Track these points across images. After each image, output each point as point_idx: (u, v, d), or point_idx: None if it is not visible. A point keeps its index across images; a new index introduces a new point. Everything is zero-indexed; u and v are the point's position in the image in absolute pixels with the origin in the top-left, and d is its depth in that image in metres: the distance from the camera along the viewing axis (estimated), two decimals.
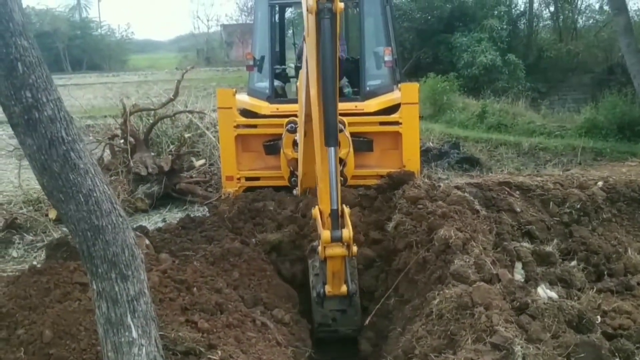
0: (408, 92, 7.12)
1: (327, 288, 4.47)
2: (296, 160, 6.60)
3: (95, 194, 2.42)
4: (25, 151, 2.40)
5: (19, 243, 7.69)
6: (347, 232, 3.98)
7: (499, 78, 21.39)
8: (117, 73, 44.27)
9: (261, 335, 4.29)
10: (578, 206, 5.49)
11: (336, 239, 3.95)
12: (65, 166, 2.38)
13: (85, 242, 2.43)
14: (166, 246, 5.32)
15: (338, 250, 4.01)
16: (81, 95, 19.49)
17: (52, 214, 8.58)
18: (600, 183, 5.79)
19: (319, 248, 4.11)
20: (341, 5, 3.66)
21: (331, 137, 3.80)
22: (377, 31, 7.98)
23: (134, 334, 2.47)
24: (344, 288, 4.45)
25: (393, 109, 7.28)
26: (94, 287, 2.46)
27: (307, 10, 3.76)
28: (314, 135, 4.24)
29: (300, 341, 4.90)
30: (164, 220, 8.31)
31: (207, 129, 11.59)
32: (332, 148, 3.84)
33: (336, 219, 3.93)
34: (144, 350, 2.49)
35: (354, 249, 4.08)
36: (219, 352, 3.59)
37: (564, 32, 26.89)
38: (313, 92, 4.11)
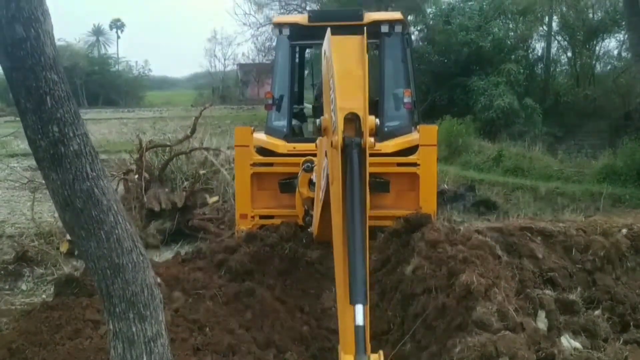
0: (427, 134, 7.10)
1: None
2: (311, 199, 6.56)
3: (117, 232, 2.37)
4: (48, 186, 2.37)
5: (28, 276, 7.66)
6: (377, 358, 2.98)
7: (515, 122, 21.45)
8: (132, 109, 45.02)
9: None
10: (602, 254, 5.34)
11: None
12: (89, 202, 2.34)
13: (104, 280, 2.37)
14: (179, 284, 5.23)
15: None
16: (96, 130, 19.79)
17: (64, 247, 8.56)
18: (624, 230, 5.64)
19: None
20: (371, 140, 3.13)
21: (359, 294, 2.95)
22: (396, 73, 8.04)
23: None
24: None
25: (411, 150, 7.26)
26: (111, 327, 2.38)
27: (332, 146, 3.17)
28: (336, 288, 3.41)
29: None
30: None
31: (222, 166, 11.64)
32: (361, 305, 2.95)
33: (363, 340, 2.95)
34: None
35: None
36: None
37: (581, 78, 27.01)
38: (337, 241, 3.30)
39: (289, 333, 5.06)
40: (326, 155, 3.89)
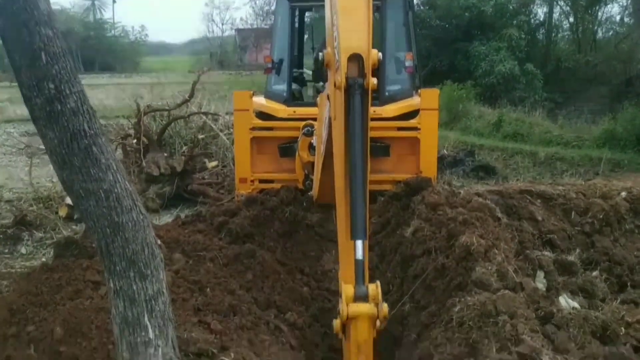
0: (428, 98, 7.03)
1: None
2: (311, 163, 6.53)
3: (116, 190, 2.34)
4: (45, 144, 2.32)
5: (28, 240, 7.68)
6: (375, 288, 3.17)
7: (516, 87, 21.30)
8: (129, 75, 44.53)
9: (274, 338, 4.22)
10: (601, 216, 5.34)
11: (361, 296, 3.14)
12: (87, 161, 2.30)
13: (104, 239, 2.35)
14: (179, 246, 5.24)
15: (364, 308, 3.12)
16: (93, 96, 19.54)
17: (63, 212, 8.56)
18: (623, 193, 5.64)
19: (340, 307, 3.24)
20: (374, 80, 3.15)
21: (359, 230, 3.14)
22: (398, 36, 7.90)
23: (151, 335, 2.38)
24: None
25: (412, 114, 7.20)
26: (111, 285, 2.38)
27: (335, 86, 3.24)
28: (338, 227, 3.58)
29: (312, 345, 4.81)
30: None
31: (221, 131, 11.56)
32: (361, 241, 3.16)
33: (362, 272, 3.17)
34: (160, 351, 2.40)
35: (385, 308, 3.20)
36: (232, 354, 3.50)
37: (582, 43, 26.71)
38: (339, 178, 3.45)
39: (290, 294, 5.10)
40: (328, 98, 3.87)
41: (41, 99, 2.26)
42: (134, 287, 2.35)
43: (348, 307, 3.13)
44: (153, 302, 2.39)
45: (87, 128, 2.30)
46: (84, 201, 2.32)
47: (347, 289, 3.16)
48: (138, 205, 2.41)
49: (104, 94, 23.67)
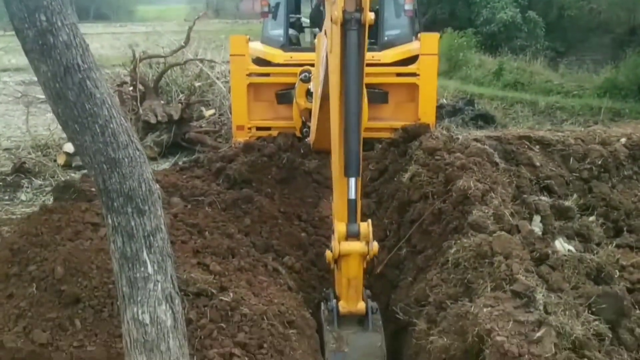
0: (428, 43, 6.89)
1: (341, 304, 3.73)
2: (309, 110, 6.46)
3: (112, 125, 2.31)
4: (39, 79, 2.28)
5: (27, 187, 7.69)
6: (366, 226, 3.38)
7: (517, 36, 20.90)
8: (124, 23, 43.62)
9: (272, 279, 4.27)
10: (599, 162, 5.35)
11: (353, 234, 3.37)
12: (81, 95, 2.26)
13: (101, 175, 2.33)
14: (177, 191, 5.25)
15: (356, 246, 3.39)
16: (89, 45, 19.23)
17: (61, 160, 8.56)
18: (623, 140, 5.62)
19: (332, 243, 3.49)
20: (371, 15, 3.17)
21: (352, 167, 3.25)
22: None
23: (150, 270, 2.41)
24: (361, 304, 3.71)
25: (411, 60, 7.08)
26: (109, 221, 2.38)
27: (332, 20, 3.24)
28: (332, 166, 3.70)
29: (310, 288, 4.89)
30: None
31: (218, 78, 11.42)
32: (353, 179, 3.30)
33: (354, 211, 3.36)
34: (159, 286, 2.43)
35: (375, 245, 3.43)
36: (231, 294, 3.57)
37: None
38: (334, 114, 3.50)
39: (287, 239, 5.14)
40: (325, 33, 3.85)
41: (33, 31, 2.21)
42: (132, 223, 2.36)
43: (340, 245, 3.39)
44: (151, 237, 2.40)
45: (80, 62, 2.26)
46: (80, 136, 2.30)
47: (340, 227, 3.38)
48: (134, 141, 2.39)
49: (99, 43, 23.24)
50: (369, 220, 3.43)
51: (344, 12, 3.08)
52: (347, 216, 3.37)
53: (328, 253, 3.69)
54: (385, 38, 7.36)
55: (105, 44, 23.54)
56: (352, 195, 3.31)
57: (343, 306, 3.71)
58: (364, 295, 3.80)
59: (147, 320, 2.44)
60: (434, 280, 3.92)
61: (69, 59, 2.24)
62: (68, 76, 2.23)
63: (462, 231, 4.06)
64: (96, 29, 36.16)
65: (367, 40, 3.29)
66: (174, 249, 3.83)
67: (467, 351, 3.07)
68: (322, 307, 4.02)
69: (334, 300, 3.78)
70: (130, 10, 57.72)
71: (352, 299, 3.68)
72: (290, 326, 3.69)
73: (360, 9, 3.09)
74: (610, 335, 3.01)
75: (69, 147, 8.36)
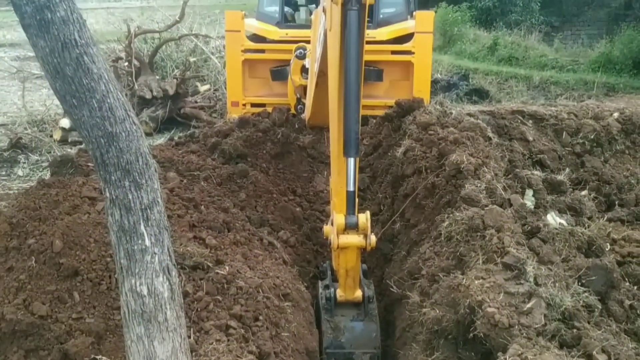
0: (423, 21, 6.89)
1: (339, 292, 3.91)
2: (304, 87, 6.46)
3: (109, 100, 2.33)
4: (37, 53, 2.30)
5: (24, 162, 7.70)
6: (365, 218, 3.43)
7: (512, 10, 20.73)
8: None
9: (268, 253, 4.33)
10: (592, 137, 5.40)
11: (351, 226, 3.42)
12: (79, 70, 2.27)
13: (98, 149, 2.36)
14: (173, 166, 5.27)
15: (354, 239, 3.46)
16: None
17: (57, 135, 8.54)
18: (615, 114, 5.66)
19: (331, 237, 3.55)
20: None
21: (352, 147, 3.24)
22: None
23: (147, 242, 2.44)
24: (358, 293, 3.89)
25: (406, 38, 7.07)
26: (107, 194, 2.41)
27: (332, 0, 3.23)
28: (331, 142, 3.72)
29: (305, 261, 4.96)
30: None
31: (212, 54, 11.36)
32: (352, 159, 3.30)
33: (352, 203, 3.40)
34: (156, 258, 2.47)
35: (373, 239, 3.49)
36: (227, 267, 3.62)
37: None
38: (333, 93, 3.52)
39: (282, 213, 5.19)
40: (324, 11, 3.83)
41: (31, 7, 2.22)
42: (130, 197, 2.39)
43: (339, 237, 3.45)
44: (149, 210, 2.43)
45: (77, 37, 2.27)
46: (77, 111, 2.32)
47: (339, 219, 3.43)
48: (131, 115, 2.41)
49: (94, 18, 22.90)
50: (367, 212, 3.48)
51: None
52: (345, 208, 3.42)
53: (325, 228, 3.80)
54: (381, 16, 7.36)
55: (99, 19, 23.17)
56: (351, 187, 3.34)
57: (340, 294, 3.90)
58: (361, 284, 3.97)
59: (145, 292, 2.49)
60: (427, 254, 3.99)
61: (67, 34, 2.25)
62: (66, 51, 2.25)
63: (455, 205, 4.11)
64: (90, 4, 35.56)
65: (366, 20, 3.28)
66: (170, 223, 3.88)
67: (458, 322, 3.13)
68: (320, 290, 4.16)
69: (332, 289, 3.95)
70: None
71: (349, 288, 3.86)
72: (285, 299, 3.76)
73: None
74: (600, 307, 3.08)
75: (65, 123, 8.35)
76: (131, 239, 2.42)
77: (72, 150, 7.76)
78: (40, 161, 7.71)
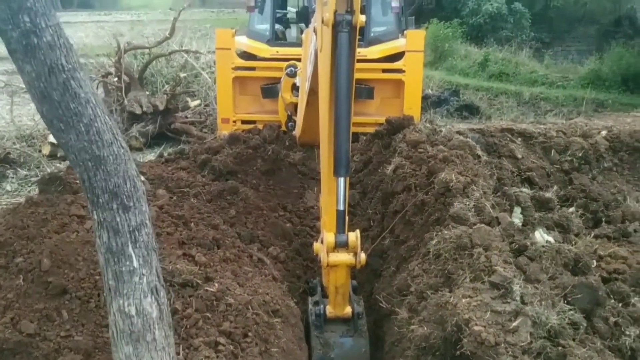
0: (414, 40, 6.98)
1: (329, 308, 3.94)
2: (294, 104, 6.51)
3: (96, 124, 2.34)
4: (23, 78, 2.31)
5: (12, 177, 7.67)
6: (355, 237, 3.45)
7: (503, 27, 21.01)
8: (109, 12, 43.06)
9: (257, 270, 4.33)
10: (580, 154, 5.46)
11: (341, 244, 3.45)
12: (66, 95, 2.29)
13: (86, 172, 2.37)
14: (163, 183, 5.28)
15: (344, 257, 3.48)
16: (72, 33, 18.98)
17: (46, 150, 8.52)
18: (603, 132, 5.74)
19: (321, 255, 3.59)
20: (362, 18, 3.18)
21: (342, 166, 3.28)
22: None
23: (135, 264, 2.45)
24: (348, 309, 3.94)
25: (397, 56, 7.15)
26: (95, 217, 2.42)
27: (323, 22, 3.27)
28: (321, 161, 3.75)
29: (295, 277, 4.96)
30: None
31: (203, 69, 11.41)
32: (342, 179, 3.33)
33: (342, 221, 3.43)
34: (145, 279, 2.48)
35: (363, 257, 3.52)
36: (216, 284, 3.62)
37: None
38: (324, 113, 3.55)
39: (272, 229, 5.20)
40: (315, 32, 3.89)
41: (17, 33, 2.23)
42: (117, 219, 2.40)
43: (329, 256, 3.47)
44: (137, 232, 2.45)
45: (64, 62, 2.28)
46: (65, 135, 2.33)
47: (329, 237, 3.44)
48: (118, 139, 2.42)
49: (83, 32, 22.96)
50: (357, 231, 3.50)
51: (335, 14, 3.09)
52: (335, 226, 3.44)
53: (316, 246, 3.83)
54: (372, 34, 7.45)
55: (89, 32, 23.23)
56: (341, 206, 3.36)
57: (330, 311, 3.93)
58: (351, 301, 4.00)
59: (133, 312, 2.49)
60: (416, 271, 4.00)
61: (53, 59, 2.26)
62: (52, 76, 2.26)
63: (444, 223, 4.13)
64: (80, 17, 35.65)
65: (357, 41, 3.32)
66: (159, 241, 3.89)
67: (446, 340, 3.14)
68: (310, 306, 4.16)
69: (322, 306, 3.97)
70: None
71: (339, 305, 3.89)
72: (275, 315, 3.77)
73: (351, 11, 3.10)
74: (585, 324, 3.10)
75: (53, 138, 8.33)
76: (119, 261, 2.43)
77: (61, 165, 7.75)
78: (28, 176, 7.68)
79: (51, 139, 8.43)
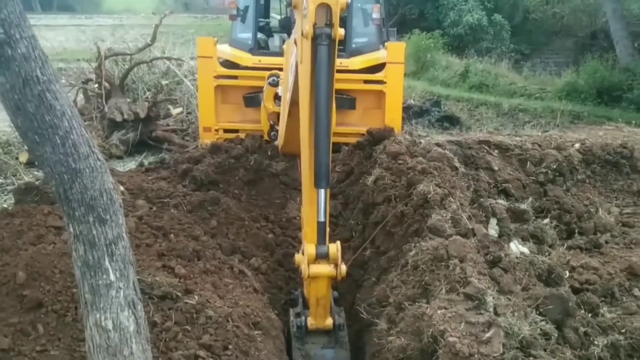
0: (394, 51, 7.06)
1: (310, 320, 3.95)
2: (277, 114, 6.52)
3: (72, 137, 2.34)
4: None
5: None
6: (335, 249, 3.46)
7: (483, 38, 21.30)
8: (90, 15, 42.69)
9: (238, 282, 4.33)
10: (554, 166, 5.57)
11: (322, 256, 3.45)
12: (41, 107, 2.28)
13: (62, 185, 2.36)
14: (142, 193, 5.26)
15: (324, 268, 3.49)
16: (52, 37, 18.80)
17: (23, 158, 8.42)
18: (577, 145, 5.87)
19: (302, 266, 3.58)
20: (341, 31, 3.22)
21: (322, 178, 3.30)
22: None
23: (112, 277, 2.45)
24: (329, 321, 3.94)
25: (378, 67, 7.22)
26: (71, 230, 2.42)
27: (303, 35, 3.31)
28: (302, 173, 3.80)
29: (276, 288, 4.97)
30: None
31: (185, 76, 11.38)
32: (323, 190, 3.35)
33: (323, 233, 3.44)
34: (122, 292, 2.48)
35: (343, 268, 3.52)
36: (196, 297, 3.62)
37: None
38: (304, 124, 3.57)
39: (254, 240, 5.21)
40: (295, 43, 3.92)
41: None
42: (94, 232, 2.40)
43: (309, 267, 3.49)
44: (113, 246, 2.45)
45: (39, 74, 2.28)
46: (40, 147, 2.32)
47: (309, 249, 3.46)
48: (95, 151, 2.42)
49: (64, 35, 22.70)
50: (338, 243, 3.53)
51: (314, 27, 3.14)
52: (316, 238, 3.46)
53: (297, 257, 3.82)
54: (353, 45, 7.50)
55: (69, 36, 22.98)
56: (322, 218, 3.39)
57: (311, 322, 3.94)
58: (332, 312, 4.03)
59: (110, 326, 2.49)
60: (395, 282, 4.05)
61: (28, 71, 2.26)
62: (27, 88, 2.26)
63: (422, 234, 4.20)
64: (60, 20, 35.26)
65: (337, 54, 3.35)
66: (138, 252, 3.89)
67: (422, 351, 3.19)
68: (291, 318, 4.18)
69: (303, 318, 3.99)
70: (96, 2, 56.45)
71: (320, 316, 3.91)
72: (255, 327, 3.78)
73: (330, 24, 3.15)
74: (556, 335, 3.18)
75: (26, 146, 8.22)
76: (96, 274, 2.43)
77: (39, 173, 7.66)
78: (5, 184, 7.57)
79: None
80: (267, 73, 6.57)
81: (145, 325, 2.66)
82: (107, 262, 2.43)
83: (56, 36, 20.86)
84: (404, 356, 3.37)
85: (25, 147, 8.36)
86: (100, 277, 2.43)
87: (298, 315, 4.15)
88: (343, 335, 4.07)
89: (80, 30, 24.69)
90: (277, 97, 6.53)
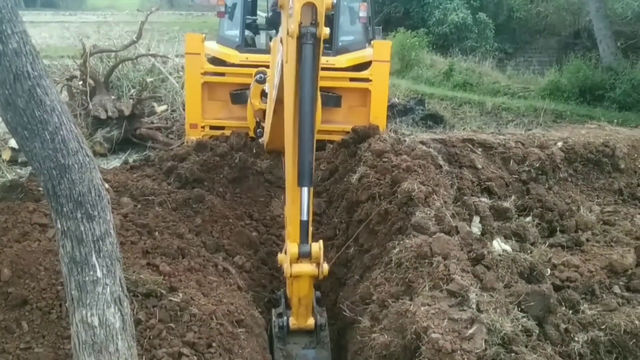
0: (380, 50, 7.09)
1: (292, 320, 3.94)
2: (263, 111, 6.54)
3: (62, 132, 2.35)
4: None
5: None
6: (318, 248, 3.45)
7: (468, 37, 21.43)
8: (74, 12, 42.25)
9: (222, 279, 4.34)
10: (537, 165, 5.66)
11: (305, 255, 3.44)
12: (31, 102, 2.29)
13: (50, 181, 2.37)
14: (127, 191, 5.24)
15: (307, 268, 3.48)
16: (36, 34, 18.58)
17: (6, 155, 8.34)
18: (559, 143, 5.97)
19: (284, 266, 3.55)
20: (326, 30, 3.23)
21: (306, 177, 3.31)
22: None
23: (99, 273, 2.46)
24: (311, 321, 3.94)
25: (364, 66, 7.26)
26: (59, 226, 2.42)
27: (288, 34, 3.31)
28: (286, 171, 3.80)
29: (260, 287, 4.99)
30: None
31: (170, 74, 11.33)
32: (306, 188, 3.36)
33: (306, 232, 3.43)
34: (108, 289, 2.49)
35: (325, 267, 3.51)
36: (180, 294, 3.63)
37: None
38: (288, 123, 3.58)
39: (238, 238, 5.21)
40: (282, 42, 3.92)
41: None
42: (82, 228, 2.40)
43: (292, 266, 3.47)
44: (100, 242, 2.46)
45: (30, 69, 2.29)
46: (29, 143, 2.33)
47: (292, 248, 3.45)
48: (84, 147, 2.43)
49: (48, 32, 22.48)
50: (321, 242, 3.52)
51: (300, 26, 3.16)
52: (299, 237, 3.46)
53: (280, 256, 3.79)
54: (340, 44, 7.52)
55: (53, 33, 22.77)
56: (305, 217, 3.39)
57: (293, 322, 3.94)
58: (314, 312, 4.02)
59: (96, 323, 2.50)
60: (378, 279, 4.09)
61: (19, 66, 2.27)
62: (17, 83, 2.27)
63: (406, 232, 4.24)
64: (44, 17, 34.84)
65: (322, 52, 3.37)
66: (123, 250, 3.88)
67: (406, 348, 3.23)
68: (273, 318, 4.18)
69: (285, 318, 3.98)
70: None
71: (302, 316, 3.90)
72: (239, 325, 3.79)
73: (315, 24, 3.17)
74: (537, 331, 3.24)
75: (14, 142, 8.15)
76: (82, 271, 2.44)
77: (22, 171, 7.60)
78: None
79: (12, 143, 8.25)
80: (254, 70, 6.58)
81: (131, 322, 2.68)
82: (94, 259, 2.44)
83: (40, 32, 20.63)
84: (387, 353, 3.41)
85: (9, 145, 8.29)
86: (87, 274, 2.44)
87: (280, 315, 4.15)
88: (325, 336, 4.08)
89: (64, 27, 24.44)
90: (264, 94, 6.53)
